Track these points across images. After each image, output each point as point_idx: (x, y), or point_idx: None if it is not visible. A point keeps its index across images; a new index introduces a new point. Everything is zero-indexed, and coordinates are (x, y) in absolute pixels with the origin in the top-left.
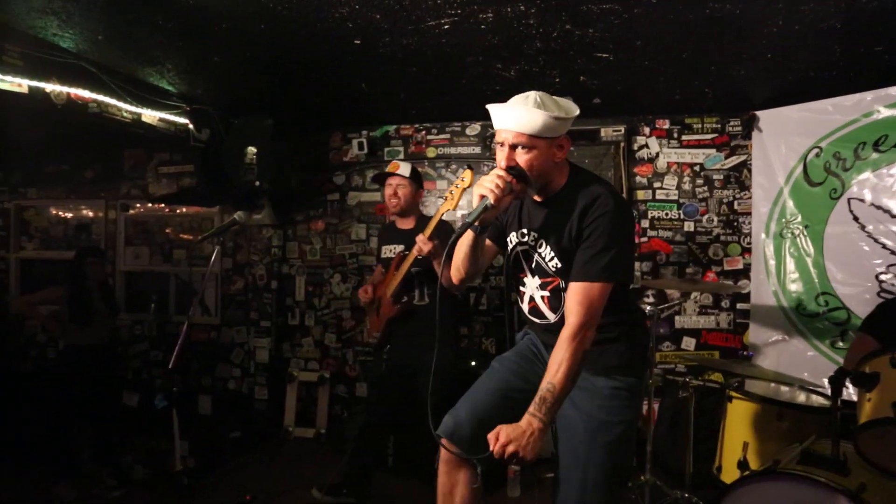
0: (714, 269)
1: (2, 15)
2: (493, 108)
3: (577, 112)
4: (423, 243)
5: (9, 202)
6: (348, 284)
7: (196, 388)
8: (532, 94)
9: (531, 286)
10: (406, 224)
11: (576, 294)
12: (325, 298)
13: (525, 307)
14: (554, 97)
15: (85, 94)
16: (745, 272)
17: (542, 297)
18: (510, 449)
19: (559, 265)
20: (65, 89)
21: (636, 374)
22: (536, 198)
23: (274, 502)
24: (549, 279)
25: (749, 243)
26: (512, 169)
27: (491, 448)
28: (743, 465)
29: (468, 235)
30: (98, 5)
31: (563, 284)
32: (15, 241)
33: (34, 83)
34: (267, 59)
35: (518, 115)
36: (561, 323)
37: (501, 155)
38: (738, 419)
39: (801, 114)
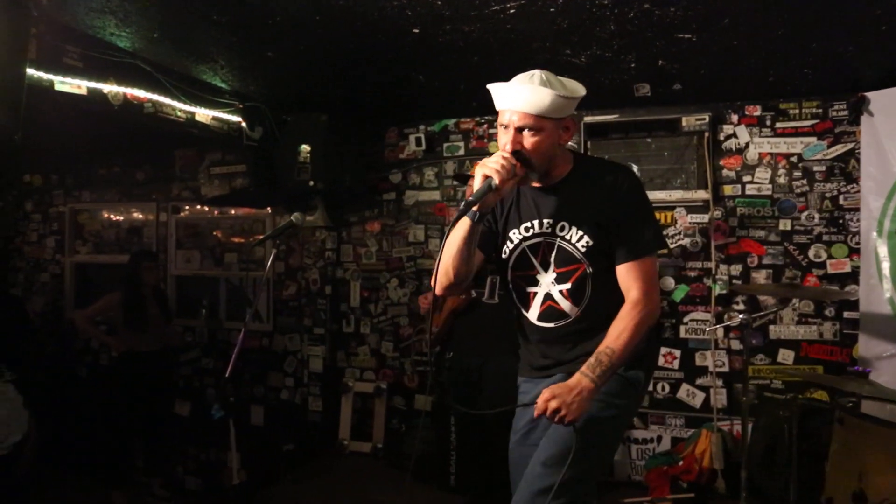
0: (815, 273)
1: (62, 16)
2: (496, 88)
3: (584, 92)
4: None
5: (64, 205)
6: (406, 290)
7: (248, 397)
8: (537, 73)
9: (546, 283)
10: None
11: (630, 271)
12: (382, 304)
13: (534, 313)
14: (558, 77)
15: (140, 93)
16: (853, 276)
17: (562, 291)
18: (553, 405)
19: (590, 243)
20: (122, 90)
21: (644, 369)
22: (536, 184)
23: None
24: (571, 267)
25: (857, 243)
26: (517, 153)
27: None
28: (859, 497)
29: (463, 225)
30: (154, 2)
31: (590, 269)
32: (70, 245)
33: (93, 84)
34: (322, 53)
35: (525, 94)
36: (583, 317)
37: (506, 138)
38: (851, 444)
39: None
